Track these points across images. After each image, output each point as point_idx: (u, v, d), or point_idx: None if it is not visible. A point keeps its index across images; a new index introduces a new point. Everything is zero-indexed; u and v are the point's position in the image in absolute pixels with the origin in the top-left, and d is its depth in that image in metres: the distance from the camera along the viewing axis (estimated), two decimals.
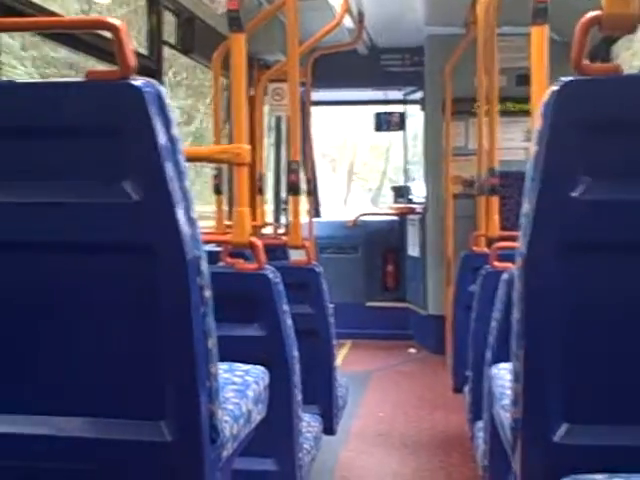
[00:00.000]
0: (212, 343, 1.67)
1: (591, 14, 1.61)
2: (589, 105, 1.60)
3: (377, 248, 7.03)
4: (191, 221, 1.62)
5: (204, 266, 1.64)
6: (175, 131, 1.60)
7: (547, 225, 1.61)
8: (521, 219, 1.67)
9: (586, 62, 1.61)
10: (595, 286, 1.61)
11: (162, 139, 1.55)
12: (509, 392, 1.81)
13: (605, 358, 1.63)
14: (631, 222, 1.58)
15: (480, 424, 2.79)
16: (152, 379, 1.63)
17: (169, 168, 1.56)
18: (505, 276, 2.56)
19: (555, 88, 1.60)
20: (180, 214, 1.57)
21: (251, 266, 2.60)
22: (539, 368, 1.64)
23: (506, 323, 2.32)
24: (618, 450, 1.59)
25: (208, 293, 1.65)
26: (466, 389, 3.54)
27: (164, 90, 1.60)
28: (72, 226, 1.62)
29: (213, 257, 3.46)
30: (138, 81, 1.57)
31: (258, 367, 2.12)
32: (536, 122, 1.65)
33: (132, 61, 1.56)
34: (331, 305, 3.50)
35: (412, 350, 6.43)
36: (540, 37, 2.47)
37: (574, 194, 1.59)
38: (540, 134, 1.62)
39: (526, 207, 1.64)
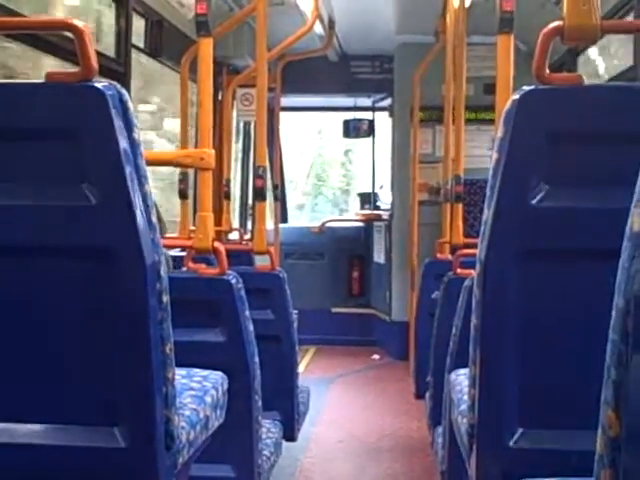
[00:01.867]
0: (169, 348, 1.66)
1: (553, 25, 1.63)
2: (549, 114, 1.63)
3: (343, 254, 7.05)
4: (151, 225, 1.61)
5: (163, 271, 1.63)
6: (136, 135, 1.60)
7: (505, 232, 1.63)
8: (481, 226, 1.69)
9: (548, 72, 1.64)
10: (551, 293, 1.63)
11: (123, 143, 1.55)
12: (466, 398, 1.83)
13: (559, 364, 1.65)
14: (587, 230, 1.60)
15: (440, 430, 2.81)
16: (107, 385, 1.61)
17: (129, 172, 1.56)
18: (467, 283, 2.58)
19: (516, 97, 1.63)
20: (140, 218, 1.57)
21: (213, 271, 2.59)
22: (495, 374, 1.66)
23: (466, 329, 2.34)
24: (571, 454, 1.61)
25: (166, 298, 1.64)
26: (427, 395, 3.56)
27: (126, 93, 1.59)
28: (30, 229, 1.61)
29: (179, 262, 3.45)
30: (100, 84, 1.56)
31: (217, 373, 2.11)
32: (498, 130, 1.67)
33: (94, 63, 1.56)
34: (295, 311, 3.50)
35: (376, 356, 6.45)
36: (506, 46, 2.50)
37: (532, 202, 1.61)
38: (501, 142, 1.64)
39: (486, 214, 1.66)
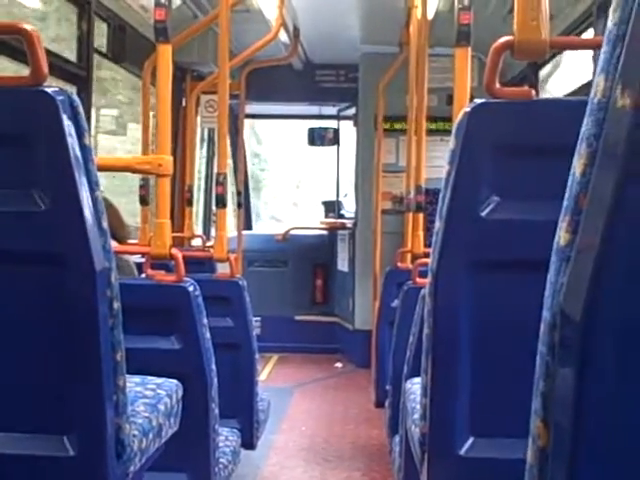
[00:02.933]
0: (120, 356, 1.65)
1: (503, 39, 1.65)
2: (499, 127, 1.65)
3: (307, 262, 7.05)
4: (102, 232, 1.60)
5: (114, 277, 1.62)
6: (87, 140, 1.59)
7: (455, 243, 1.64)
8: (434, 236, 1.70)
9: (498, 86, 1.66)
10: (500, 303, 1.65)
11: (73, 148, 1.54)
12: (419, 407, 1.84)
13: (509, 373, 1.67)
14: (537, 241, 1.61)
15: (397, 438, 2.82)
16: (57, 392, 1.60)
17: (80, 177, 1.54)
18: (423, 292, 2.60)
19: (467, 110, 1.65)
20: (90, 224, 1.55)
21: (171, 278, 2.58)
22: (446, 383, 1.68)
23: (422, 338, 2.36)
24: (523, 463, 1.62)
25: (117, 305, 1.63)
26: (386, 403, 3.57)
27: (77, 99, 1.58)
28: None
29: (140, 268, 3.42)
30: (50, 88, 1.55)
31: (171, 380, 2.10)
32: (451, 142, 1.69)
33: (45, 67, 1.54)
34: (256, 319, 3.49)
35: (338, 364, 6.45)
36: (463, 58, 2.53)
37: (482, 213, 1.63)
38: (452, 154, 1.66)
39: (437, 225, 1.68)
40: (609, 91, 0.69)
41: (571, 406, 0.65)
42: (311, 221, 8.04)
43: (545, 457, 0.74)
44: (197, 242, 5.51)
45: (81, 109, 1.57)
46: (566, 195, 0.76)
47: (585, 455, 0.64)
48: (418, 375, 2.29)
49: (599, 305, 0.64)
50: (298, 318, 6.92)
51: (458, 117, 1.66)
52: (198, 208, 6.88)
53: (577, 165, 0.75)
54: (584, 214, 0.71)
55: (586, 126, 0.74)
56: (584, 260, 0.67)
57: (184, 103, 5.80)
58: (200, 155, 6.85)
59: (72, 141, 1.53)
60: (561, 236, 0.75)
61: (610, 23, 0.71)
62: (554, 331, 0.72)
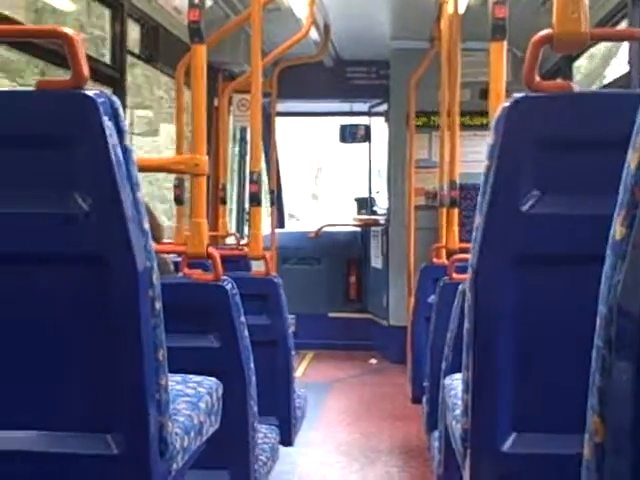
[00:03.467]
0: (162, 355, 1.67)
1: (542, 33, 1.64)
2: (539, 122, 1.63)
3: (340, 259, 7.05)
4: (143, 232, 1.61)
5: (155, 277, 1.63)
6: (128, 142, 1.60)
7: (496, 238, 1.63)
8: (473, 232, 1.69)
9: (538, 79, 1.65)
10: (542, 298, 1.64)
11: (114, 150, 1.55)
12: (460, 403, 1.83)
13: (552, 368, 1.66)
14: (578, 236, 1.61)
15: (436, 434, 2.82)
16: (100, 391, 1.62)
17: (121, 179, 1.56)
18: (461, 287, 2.59)
19: (506, 104, 1.63)
20: (131, 226, 1.57)
21: (208, 277, 2.59)
22: (488, 378, 1.67)
23: (461, 334, 2.35)
24: (565, 458, 1.61)
25: (159, 305, 1.65)
26: (424, 400, 3.56)
27: (117, 100, 1.60)
28: (22, 236, 1.61)
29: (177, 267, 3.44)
30: (91, 91, 1.56)
31: (211, 379, 2.12)
32: (489, 137, 1.68)
33: (85, 71, 1.56)
34: (291, 316, 3.50)
35: (373, 361, 6.44)
36: (499, 52, 2.51)
37: (523, 208, 1.62)
38: (492, 149, 1.64)
39: (477, 220, 1.67)
40: None
41: (629, 401, 0.64)
42: (343, 219, 8.02)
43: (602, 453, 0.73)
44: (231, 240, 5.54)
45: (121, 111, 1.59)
46: (620, 188, 0.75)
47: None
48: (457, 371, 2.29)
49: None
50: (332, 315, 6.93)
51: (497, 112, 1.65)
52: (231, 206, 6.91)
53: (632, 158, 0.74)
54: None
55: None
56: None
57: (216, 103, 5.83)
58: (233, 154, 6.88)
59: (113, 143, 1.54)
60: (617, 230, 0.74)
61: None
62: (611, 325, 0.72)
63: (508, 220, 1.62)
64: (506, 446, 1.66)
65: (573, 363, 1.64)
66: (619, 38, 2.42)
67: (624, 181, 0.75)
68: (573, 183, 1.61)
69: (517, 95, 1.62)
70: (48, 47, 3.11)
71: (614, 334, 0.71)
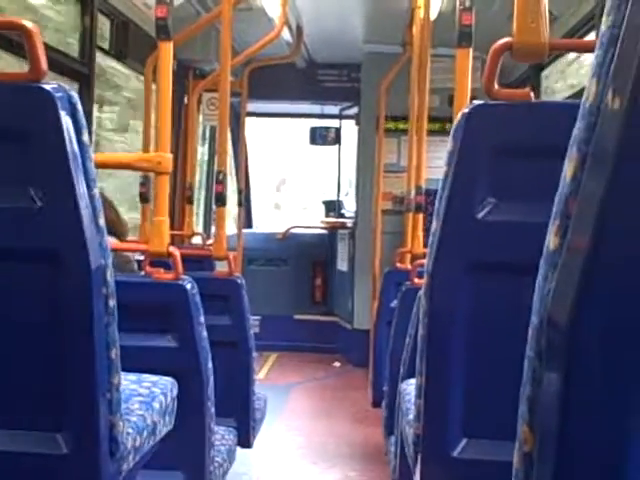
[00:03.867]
0: (115, 353, 1.65)
1: (502, 41, 1.65)
2: (497, 129, 1.65)
3: (307, 261, 7.05)
4: (98, 229, 1.60)
5: (110, 275, 1.62)
6: (85, 137, 1.59)
7: (452, 244, 1.64)
8: (430, 237, 1.70)
9: (497, 87, 1.66)
10: (495, 305, 1.65)
11: (71, 145, 1.54)
12: (414, 408, 1.84)
13: (503, 375, 1.66)
14: (532, 244, 1.61)
15: (393, 439, 2.82)
16: (51, 389, 1.60)
17: (77, 175, 1.54)
18: (420, 292, 2.60)
19: (465, 111, 1.64)
20: (87, 222, 1.55)
21: (168, 276, 2.57)
22: (440, 384, 1.68)
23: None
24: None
25: (113, 302, 1.63)
26: (383, 404, 3.57)
27: (76, 95, 1.58)
28: None
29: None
30: (49, 85, 1.55)
31: (167, 378, 2.10)
32: (448, 143, 1.69)
33: (44, 64, 1.54)
34: (256, 317, 3.49)
35: (337, 364, 6.45)
36: (464, 59, 2.53)
37: (479, 215, 1.62)
38: (450, 155, 1.66)
39: (434, 226, 1.68)
40: (600, 95, 0.69)
41: (556, 411, 0.65)
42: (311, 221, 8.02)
43: (530, 462, 0.74)
44: (197, 240, 5.51)
45: (79, 106, 1.57)
46: (556, 199, 0.75)
47: (570, 461, 0.64)
48: (414, 376, 2.30)
49: (586, 311, 0.63)
50: (297, 317, 6.93)
51: (456, 118, 1.66)
52: (199, 206, 6.88)
53: (567, 169, 0.75)
54: (573, 218, 0.71)
55: (577, 130, 0.74)
56: (572, 265, 0.67)
57: (186, 101, 5.80)
58: (202, 153, 6.85)
59: (70, 138, 1.53)
60: (550, 240, 0.74)
61: (603, 27, 0.71)
62: (541, 336, 0.72)
63: (463, 227, 1.63)
64: (457, 451, 1.67)
65: (519, 371, 1.65)
66: (580, 49, 2.44)
67: (560, 192, 0.76)
68: (528, 191, 1.63)
69: (476, 102, 1.63)
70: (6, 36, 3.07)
71: (544, 345, 0.71)
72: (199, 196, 6.78)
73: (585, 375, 0.63)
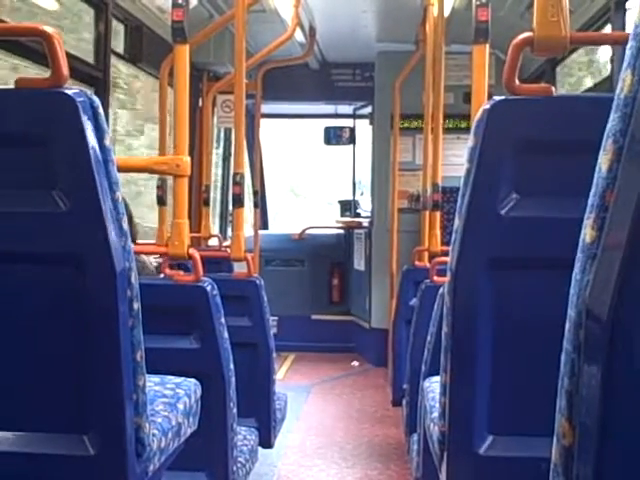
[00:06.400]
0: (140, 356, 1.66)
1: (522, 36, 1.65)
2: (518, 125, 1.64)
3: (323, 261, 7.05)
4: (122, 232, 1.61)
5: (134, 278, 1.63)
6: (107, 141, 1.59)
7: (475, 241, 1.64)
8: (453, 235, 1.70)
9: (518, 82, 1.65)
10: (520, 301, 1.64)
11: (94, 149, 1.54)
12: (438, 405, 1.84)
13: (529, 371, 1.66)
14: (556, 239, 1.61)
15: (415, 437, 2.82)
16: (77, 392, 1.61)
17: (100, 179, 1.55)
18: (442, 290, 2.59)
19: (486, 107, 1.64)
20: (110, 225, 1.56)
21: (189, 278, 2.58)
22: (465, 381, 1.67)
23: (441, 337, 2.35)
24: (541, 461, 1.62)
25: (137, 305, 1.64)
26: (404, 402, 3.56)
27: (97, 100, 1.59)
28: None
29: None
30: (71, 90, 1.55)
31: (190, 380, 2.11)
32: (469, 140, 1.68)
33: (65, 69, 1.55)
34: (273, 318, 3.49)
35: (355, 363, 6.45)
36: (481, 56, 2.52)
37: (502, 211, 1.62)
38: (471, 152, 1.65)
39: (457, 223, 1.67)
40: (636, 86, 0.69)
41: (596, 405, 0.65)
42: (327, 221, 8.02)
43: (570, 456, 0.73)
44: (214, 242, 5.53)
45: (101, 110, 1.58)
46: (592, 192, 0.75)
47: (610, 455, 0.64)
48: (436, 374, 2.29)
49: (626, 303, 0.63)
50: (315, 317, 6.93)
51: (477, 114, 1.66)
52: (215, 208, 6.90)
53: (603, 161, 0.75)
54: (610, 211, 0.71)
55: (612, 122, 0.74)
56: (610, 257, 0.67)
57: (200, 103, 5.81)
58: (216, 155, 6.87)
59: (92, 142, 1.54)
60: (587, 233, 0.74)
61: (637, 19, 0.71)
62: (580, 329, 0.72)
63: (487, 223, 1.62)
64: (483, 449, 1.66)
65: (548, 366, 1.64)
66: (600, 42, 2.43)
67: (595, 184, 0.76)
68: (551, 186, 1.62)
69: (497, 98, 1.63)
70: (27, 44, 3.09)
71: (583, 338, 0.71)
72: (214, 198, 6.80)
73: (627, 368, 0.62)
